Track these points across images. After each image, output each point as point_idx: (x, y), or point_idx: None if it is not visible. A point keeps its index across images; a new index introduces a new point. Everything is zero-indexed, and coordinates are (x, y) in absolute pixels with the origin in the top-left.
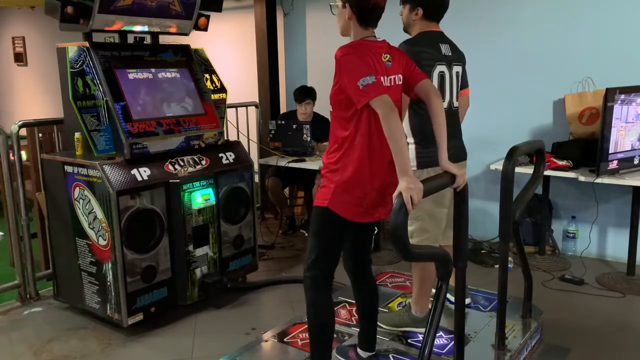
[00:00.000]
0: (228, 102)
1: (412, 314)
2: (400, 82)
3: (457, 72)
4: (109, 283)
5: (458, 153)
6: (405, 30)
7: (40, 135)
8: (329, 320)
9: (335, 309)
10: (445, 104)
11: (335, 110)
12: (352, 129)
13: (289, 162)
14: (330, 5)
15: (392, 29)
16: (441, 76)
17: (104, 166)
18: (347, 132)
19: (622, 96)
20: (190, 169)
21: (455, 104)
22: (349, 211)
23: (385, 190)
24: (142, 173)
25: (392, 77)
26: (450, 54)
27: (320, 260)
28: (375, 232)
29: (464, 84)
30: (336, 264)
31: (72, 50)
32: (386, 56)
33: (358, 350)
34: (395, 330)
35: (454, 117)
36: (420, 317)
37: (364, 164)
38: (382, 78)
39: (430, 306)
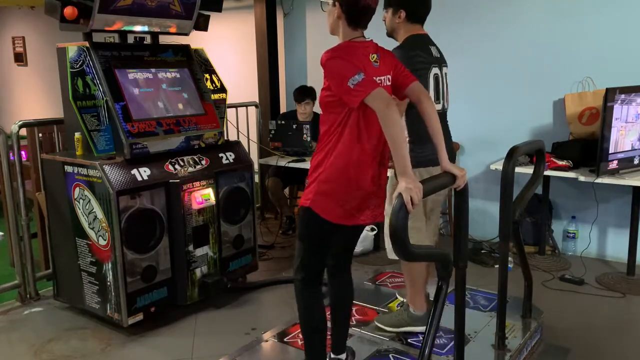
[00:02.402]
0: (228, 102)
1: (410, 312)
2: (389, 83)
3: (446, 74)
4: (109, 283)
5: (451, 155)
6: (390, 34)
7: (40, 135)
8: (320, 320)
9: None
10: (439, 107)
11: (325, 113)
12: (339, 130)
13: (289, 162)
14: (321, 2)
15: (384, 32)
16: (435, 78)
17: (104, 166)
18: (335, 133)
19: (622, 96)
20: (190, 169)
21: (447, 105)
22: (331, 213)
23: (373, 193)
24: (142, 173)
25: (380, 77)
26: (439, 56)
27: (306, 262)
28: (375, 232)
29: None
30: (323, 265)
31: (72, 50)
32: (373, 56)
33: (331, 355)
34: (395, 331)
35: (446, 118)
36: (419, 315)
37: (350, 166)
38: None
39: (427, 304)
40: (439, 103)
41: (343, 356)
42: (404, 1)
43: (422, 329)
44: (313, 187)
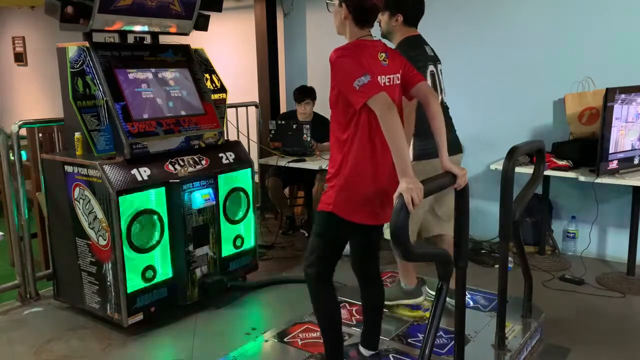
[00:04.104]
0: (228, 102)
1: (402, 287)
2: (399, 82)
3: (441, 70)
4: (109, 283)
5: (454, 147)
6: (385, 36)
7: (40, 135)
8: (335, 310)
9: None
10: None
11: (335, 114)
12: (351, 131)
13: (289, 162)
14: (327, 3)
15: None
16: (432, 74)
17: (104, 166)
18: (347, 134)
19: (622, 96)
20: (190, 169)
21: (445, 99)
22: (354, 214)
23: (391, 189)
24: (142, 173)
25: (389, 76)
26: (432, 54)
27: (321, 259)
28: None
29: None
30: (336, 262)
31: (72, 50)
32: (382, 55)
33: (360, 348)
34: (391, 304)
35: (446, 112)
36: (411, 289)
37: (365, 166)
38: (378, 78)
39: (416, 278)
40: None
41: (369, 352)
42: (401, 6)
43: (413, 301)
44: (334, 192)
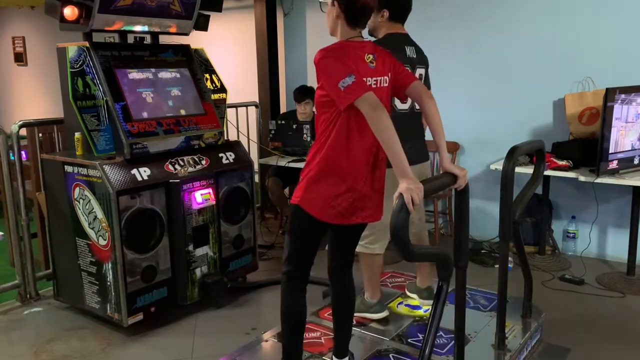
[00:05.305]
0: (228, 102)
1: (364, 300)
2: (387, 84)
3: (421, 75)
4: (109, 283)
5: (421, 154)
6: (371, 33)
7: (40, 135)
8: (297, 315)
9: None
10: (406, 106)
11: (319, 112)
12: (329, 130)
13: (289, 162)
14: (320, 2)
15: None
16: None
17: (104, 166)
18: (325, 133)
19: (622, 96)
20: (190, 169)
21: (417, 106)
22: (319, 210)
23: (366, 196)
24: (142, 173)
25: (377, 78)
26: (414, 56)
27: (292, 257)
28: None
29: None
30: (309, 264)
31: (72, 50)
32: (369, 57)
33: (333, 358)
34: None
35: (415, 119)
36: (373, 302)
37: (338, 166)
38: (364, 79)
39: (380, 294)
40: (405, 103)
41: None
42: (387, 1)
43: (376, 316)
44: (302, 185)
